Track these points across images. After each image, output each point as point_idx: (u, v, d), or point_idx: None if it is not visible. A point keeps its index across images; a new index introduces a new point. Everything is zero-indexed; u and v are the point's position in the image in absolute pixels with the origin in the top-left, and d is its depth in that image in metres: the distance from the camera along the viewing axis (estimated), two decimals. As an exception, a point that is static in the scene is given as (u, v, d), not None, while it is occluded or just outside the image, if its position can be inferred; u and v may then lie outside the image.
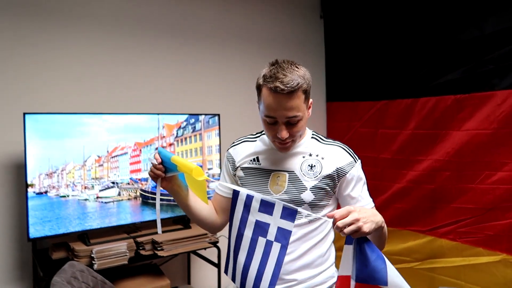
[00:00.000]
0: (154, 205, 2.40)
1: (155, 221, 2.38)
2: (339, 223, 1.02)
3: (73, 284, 1.49)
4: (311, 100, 1.27)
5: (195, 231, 2.43)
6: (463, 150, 2.48)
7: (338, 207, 1.35)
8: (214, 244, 2.47)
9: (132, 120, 2.36)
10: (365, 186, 1.32)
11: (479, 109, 2.41)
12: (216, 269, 2.51)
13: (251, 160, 1.35)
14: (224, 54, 2.94)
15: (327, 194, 1.28)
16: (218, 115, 2.63)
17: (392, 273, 0.99)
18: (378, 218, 1.10)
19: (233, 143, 1.44)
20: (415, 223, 2.75)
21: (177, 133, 2.47)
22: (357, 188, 1.29)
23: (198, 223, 1.40)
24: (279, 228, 1.15)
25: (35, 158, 2.03)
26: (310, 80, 1.22)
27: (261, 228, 1.17)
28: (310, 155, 1.30)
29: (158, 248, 2.25)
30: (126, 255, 2.14)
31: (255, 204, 1.18)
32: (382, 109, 2.96)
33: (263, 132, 1.38)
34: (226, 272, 1.33)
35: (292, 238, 1.25)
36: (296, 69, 1.19)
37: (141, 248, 2.25)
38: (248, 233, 1.20)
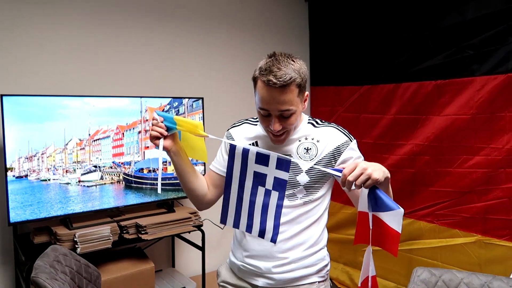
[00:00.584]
0: (137, 189, 2.40)
1: (138, 205, 2.40)
2: (350, 177, 1.05)
3: (56, 268, 1.48)
4: (306, 93, 1.28)
5: (179, 215, 2.44)
6: (443, 135, 2.54)
7: (334, 188, 1.37)
8: (198, 227, 2.48)
9: (114, 103, 2.32)
10: None
11: (458, 94, 2.46)
12: (200, 252, 2.53)
13: (251, 144, 1.36)
14: (208, 38, 2.90)
15: (323, 176, 1.30)
16: (202, 98, 2.62)
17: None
18: (385, 168, 1.13)
19: (234, 124, 1.46)
20: (395, 206, 2.82)
21: (160, 117, 2.45)
22: None
23: (189, 192, 1.38)
24: (275, 178, 1.18)
25: (14, 141, 1.99)
26: (306, 74, 1.23)
27: (259, 178, 1.21)
28: (306, 138, 1.32)
29: (142, 232, 2.25)
30: (110, 239, 2.13)
31: (251, 157, 1.20)
32: (365, 94, 3.00)
33: None
34: (225, 222, 1.32)
35: (286, 219, 1.28)
36: (292, 62, 1.19)
37: (124, 231, 2.25)
38: (248, 183, 1.23)
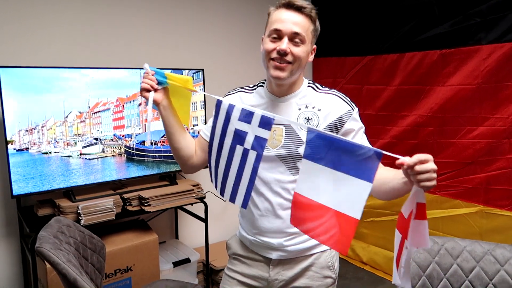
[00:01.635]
0: (139, 161, 2.39)
1: (141, 177, 2.40)
2: (418, 167, 0.90)
3: (60, 239, 1.48)
4: (315, 46, 1.27)
5: (181, 187, 2.44)
6: (447, 105, 2.51)
7: None
8: (201, 199, 2.49)
9: (113, 75, 2.28)
10: (364, 135, 1.30)
11: (464, 64, 2.41)
12: (203, 224, 2.55)
13: None
14: (208, 7, 2.83)
15: None
16: (202, 70, 2.57)
17: None
18: None
19: (229, 92, 1.41)
20: (397, 178, 2.82)
21: (160, 89, 2.42)
22: (358, 136, 1.27)
23: (175, 151, 1.35)
24: (256, 137, 1.13)
25: (13, 113, 1.97)
26: (319, 27, 1.26)
27: (239, 137, 1.16)
28: (306, 107, 1.27)
29: (145, 204, 2.26)
30: (113, 211, 2.15)
31: (236, 113, 1.16)
32: (368, 65, 2.94)
33: (259, 84, 1.36)
34: (215, 186, 1.30)
35: (291, 193, 1.24)
36: (313, 6, 1.23)
37: (127, 204, 2.26)
38: (228, 140, 1.18)
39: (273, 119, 1.10)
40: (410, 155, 2.94)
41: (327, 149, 1.01)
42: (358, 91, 3.01)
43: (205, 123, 2.57)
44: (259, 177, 1.27)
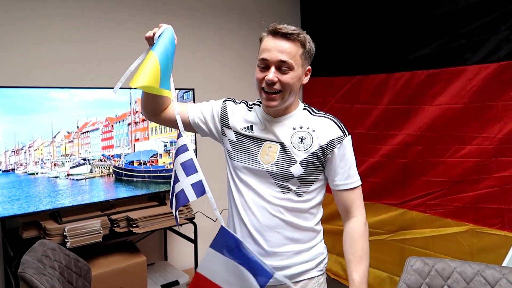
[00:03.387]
0: (127, 181, 2.36)
1: (129, 198, 2.37)
2: None
3: (44, 263, 1.45)
4: (309, 67, 1.28)
5: (170, 208, 2.41)
6: (435, 124, 2.53)
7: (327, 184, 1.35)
8: (191, 220, 2.46)
9: (102, 95, 2.28)
10: (353, 163, 1.29)
11: (451, 83, 2.45)
12: (192, 245, 2.51)
13: (245, 128, 1.33)
14: (198, 26, 2.86)
15: (316, 169, 1.27)
16: (193, 89, 2.58)
17: None
18: None
19: (235, 100, 1.41)
20: (387, 197, 2.82)
21: (150, 109, 2.41)
22: (343, 163, 1.26)
23: (149, 98, 1.33)
24: (181, 191, 1.23)
25: (0, 134, 1.94)
26: (312, 46, 1.27)
27: (174, 177, 1.26)
28: (301, 127, 1.28)
29: (133, 225, 2.22)
30: (100, 233, 2.11)
31: (185, 156, 1.22)
32: (357, 84, 2.98)
33: (256, 103, 1.37)
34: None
35: (280, 213, 1.25)
36: (302, 30, 1.24)
37: (115, 225, 2.22)
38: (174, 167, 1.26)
39: (205, 193, 1.22)
40: (401, 174, 2.94)
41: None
42: (348, 110, 3.03)
43: (195, 143, 2.55)
44: (251, 189, 1.28)
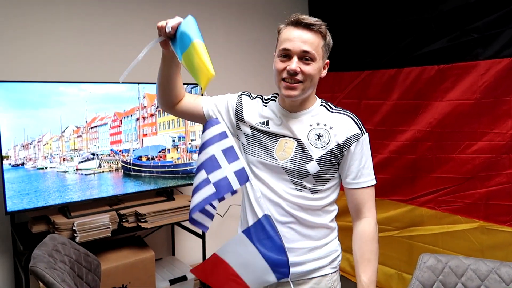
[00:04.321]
0: (136, 176, 2.36)
1: (138, 193, 2.37)
2: None
3: (55, 257, 1.45)
4: (328, 60, 1.27)
5: (178, 203, 2.41)
6: (445, 120, 2.51)
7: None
8: (198, 215, 2.45)
9: (111, 90, 2.27)
10: (369, 161, 1.27)
11: (462, 79, 2.42)
12: (200, 240, 2.51)
13: (260, 123, 1.31)
14: (205, 20, 2.84)
15: (332, 166, 1.24)
16: (201, 85, 2.56)
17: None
18: None
19: (250, 94, 1.38)
20: (396, 193, 2.80)
21: (158, 104, 2.40)
22: (358, 161, 1.24)
23: (165, 91, 1.33)
24: (225, 178, 1.11)
25: (9, 128, 1.94)
26: (331, 40, 1.26)
27: (210, 165, 1.14)
28: (318, 124, 1.25)
29: (142, 220, 2.22)
30: (109, 228, 2.11)
31: (225, 143, 1.14)
32: (366, 80, 2.95)
33: (271, 98, 1.35)
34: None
35: (295, 210, 1.24)
36: (323, 22, 1.22)
37: (124, 220, 2.22)
38: (201, 157, 1.17)
39: (249, 180, 1.11)
40: (410, 170, 2.92)
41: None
42: (356, 105, 3.01)
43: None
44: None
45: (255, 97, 1.38)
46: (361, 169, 1.25)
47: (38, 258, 1.34)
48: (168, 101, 1.35)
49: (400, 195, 2.79)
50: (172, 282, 2.42)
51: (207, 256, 2.54)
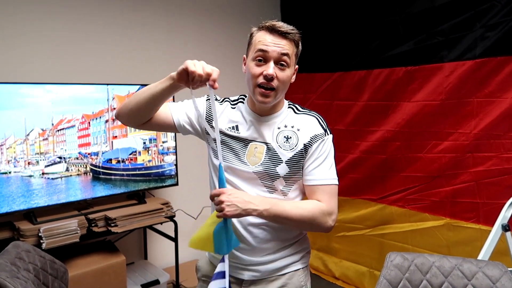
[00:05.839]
0: (105, 180, 2.31)
1: (107, 196, 2.31)
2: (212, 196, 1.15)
3: (18, 266, 1.40)
4: (297, 66, 1.27)
5: (150, 206, 2.38)
6: (413, 120, 2.57)
7: None
8: (171, 218, 2.43)
9: (78, 91, 2.21)
10: (328, 162, 1.25)
11: (428, 80, 2.49)
12: (173, 244, 2.48)
13: (230, 128, 1.29)
14: (178, 22, 2.81)
15: (300, 167, 1.25)
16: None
17: None
18: (250, 206, 1.13)
19: (216, 97, 1.35)
20: (367, 192, 2.86)
21: (128, 105, 2.36)
22: (318, 160, 1.24)
23: (146, 111, 1.26)
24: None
25: (-31, 132, 1.86)
26: (301, 48, 1.26)
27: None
28: (286, 126, 1.26)
29: (112, 224, 2.17)
30: (77, 233, 2.05)
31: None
32: (337, 81, 2.99)
33: (239, 99, 1.34)
34: None
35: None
36: (297, 30, 1.23)
37: (93, 225, 2.17)
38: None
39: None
40: (380, 169, 2.96)
41: None
42: (328, 106, 3.04)
43: (175, 141, 2.51)
44: (237, 188, 1.26)
45: (223, 101, 1.36)
46: (321, 167, 1.24)
47: (0, 267, 1.29)
48: (142, 120, 1.29)
49: (371, 194, 2.84)
50: (144, 286, 2.38)
51: (180, 259, 2.52)
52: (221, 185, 1.17)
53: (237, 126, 1.30)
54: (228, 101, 1.36)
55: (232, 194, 1.13)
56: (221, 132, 1.29)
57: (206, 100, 1.37)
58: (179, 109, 1.34)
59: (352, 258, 2.98)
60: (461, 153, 2.37)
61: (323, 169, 1.25)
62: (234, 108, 1.34)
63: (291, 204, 1.21)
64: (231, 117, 1.31)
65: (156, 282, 2.42)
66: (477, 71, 2.27)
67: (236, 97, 1.37)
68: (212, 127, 1.31)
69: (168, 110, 1.33)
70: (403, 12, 2.57)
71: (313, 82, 3.15)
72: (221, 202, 1.11)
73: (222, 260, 1.17)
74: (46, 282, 1.50)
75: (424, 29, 2.47)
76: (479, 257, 1.81)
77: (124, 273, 2.22)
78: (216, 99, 1.36)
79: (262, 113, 1.28)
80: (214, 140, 1.30)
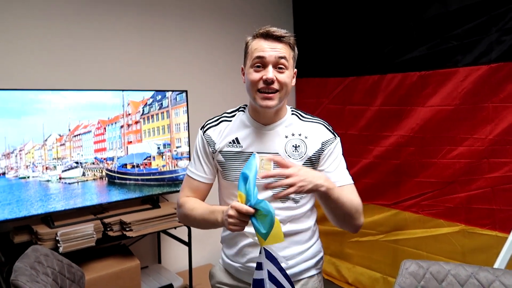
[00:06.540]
0: (120, 185, 2.34)
1: (122, 201, 2.35)
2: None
3: (37, 269, 1.43)
4: (295, 70, 1.27)
5: (164, 211, 2.40)
6: (427, 126, 2.55)
7: None
8: (184, 222, 2.45)
9: (94, 97, 2.25)
10: (343, 163, 1.30)
11: (442, 85, 2.47)
12: (187, 248, 2.50)
13: (230, 143, 1.28)
14: (191, 28, 2.84)
15: None
16: (186, 91, 2.57)
17: None
18: (320, 182, 1.09)
19: (210, 122, 1.33)
20: (380, 197, 2.84)
21: (143, 111, 2.40)
22: (334, 164, 1.27)
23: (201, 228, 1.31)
24: None
25: (-10, 138, 1.91)
26: (297, 52, 1.27)
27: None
28: (293, 134, 1.27)
29: (127, 229, 2.20)
30: (93, 237, 2.09)
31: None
32: (350, 86, 2.99)
33: (240, 109, 1.34)
34: None
35: (280, 219, 1.23)
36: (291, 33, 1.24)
37: (108, 229, 2.20)
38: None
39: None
40: (394, 175, 2.95)
41: None
42: (341, 111, 3.04)
43: (188, 146, 2.54)
44: None
45: (218, 121, 1.33)
46: (339, 168, 1.27)
47: (20, 271, 1.32)
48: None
49: (384, 199, 2.83)
50: (158, 290, 2.40)
51: (193, 264, 2.54)
52: (249, 197, 1.09)
53: (237, 139, 1.28)
54: (223, 119, 1.33)
55: (301, 170, 1.09)
56: (222, 152, 1.28)
57: (202, 133, 1.33)
58: (200, 170, 1.33)
59: (365, 263, 2.96)
60: (476, 159, 2.35)
61: (341, 170, 1.28)
62: (231, 120, 1.32)
63: (343, 192, 1.20)
64: (228, 132, 1.30)
65: (170, 286, 2.44)
66: (492, 76, 2.24)
67: (233, 108, 1.36)
68: (215, 152, 1.31)
69: (201, 180, 1.33)
70: (417, 17, 2.55)
71: (326, 86, 3.15)
72: (292, 176, 1.05)
73: (262, 252, 1.15)
74: (64, 285, 1.52)
75: (438, 33, 2.46)
76: (496, 265, 1.79)
77: (139, 277, 2.25)
78: (211, 123, 1.33)
79: (266, 122, 1.27)
80: (219, 162, 1.30)
